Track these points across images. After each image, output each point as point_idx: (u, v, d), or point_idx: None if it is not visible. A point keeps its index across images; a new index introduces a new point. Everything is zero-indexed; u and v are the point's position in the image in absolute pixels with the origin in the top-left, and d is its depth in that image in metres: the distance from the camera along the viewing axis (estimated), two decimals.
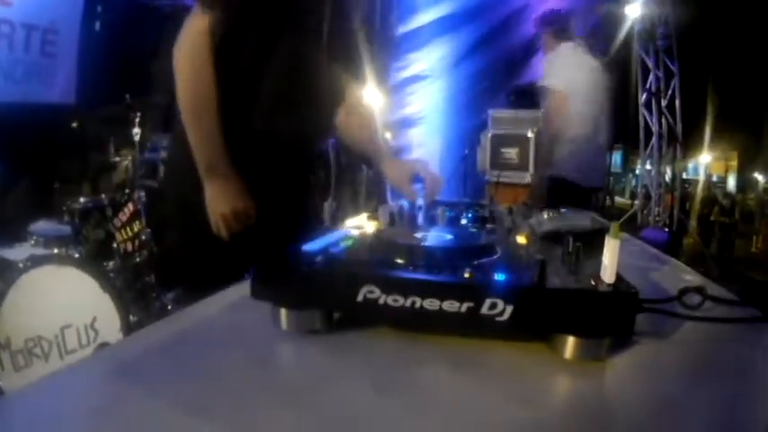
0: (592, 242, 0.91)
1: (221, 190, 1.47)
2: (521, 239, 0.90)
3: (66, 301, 2.41)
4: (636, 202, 9.60)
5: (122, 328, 2.59)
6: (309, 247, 0.73)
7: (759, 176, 19.49)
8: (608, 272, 0.62)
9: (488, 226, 1.06)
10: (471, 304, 0.58)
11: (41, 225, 3.03)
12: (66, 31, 5.79)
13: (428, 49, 8.35)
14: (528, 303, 0.59)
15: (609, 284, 0.61)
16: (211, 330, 0.72)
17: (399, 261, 0.66)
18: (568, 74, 3.46)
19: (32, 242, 2.78)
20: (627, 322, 0.62)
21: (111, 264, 3.15)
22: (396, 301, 0.59)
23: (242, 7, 1.46)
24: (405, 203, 1.39)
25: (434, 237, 0.76)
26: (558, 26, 3.71)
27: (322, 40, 1.53)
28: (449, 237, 0.75)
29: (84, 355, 2.42)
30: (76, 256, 2.75)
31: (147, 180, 3.93)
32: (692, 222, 9.32)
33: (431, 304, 0.59)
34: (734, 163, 22.02)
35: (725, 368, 0.68)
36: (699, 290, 0.85)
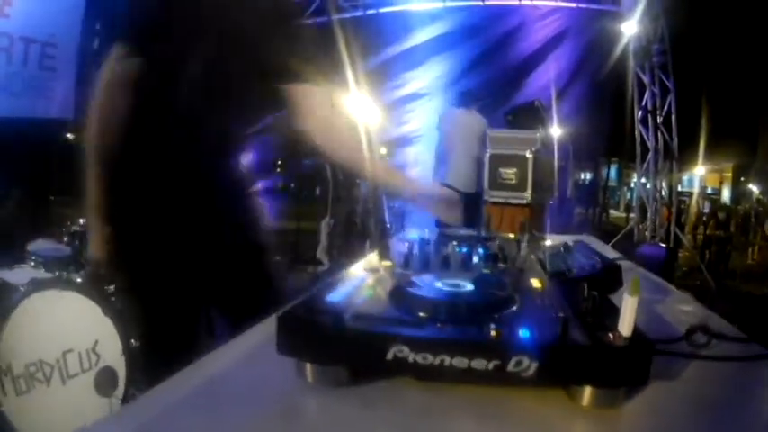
0: (602, 281, 0.95)
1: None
2: (535, 283, 0.93)
3: (68, 325, 2.41)
4: (632, 215, 9.66)
5: (124, 351, 2.58)
6: (332, 297, 0.75)
7: (753, 188, 19.58)
8: (625, 325, 0.64)
9: (500, 265, 1.09)
10: (498, 362, 0.61)
11: (40, 244, 2.98)
12: (65, 45, 5.75)
13: (425, 68, 8.43)
14: (552, 360, 0.62)
15: (626, 338, 0.64)
16: (236, 383, 0.73)
17: (423, 315, 0.69)
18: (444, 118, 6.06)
19: (32, 264, 2.75)
20: (642, 372, 0.65)
21: (111, 287, 3.14)
22: (425, 359, 0.61)
23: (153, 50, 1.53)
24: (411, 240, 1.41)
25: (455, 286, 0.78)
26: (455, 99, 6.36)
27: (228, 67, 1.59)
28: (469, 286, 0.78)
29: (86, 379, 2.42)
30: (78, 280, 2.76)
31: None
32: (688, 236, 9.38)
33: (459, 362, 0.61)
34: (728, 175, 22.17)
35: (734, 406, 0.71)
36: (705, 329, 0.88)
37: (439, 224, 1.85)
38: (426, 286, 0.77)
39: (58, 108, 5.81)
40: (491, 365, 0.61)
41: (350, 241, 8.08)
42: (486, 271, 1.04)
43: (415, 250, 1.20)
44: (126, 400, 2.53)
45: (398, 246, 1.26)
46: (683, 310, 1.18)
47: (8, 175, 4.46)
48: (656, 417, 0.67)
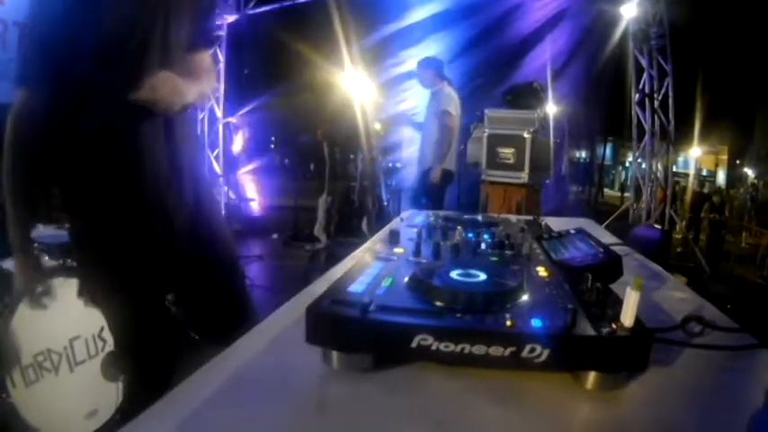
0: (604, 271, 1.01)
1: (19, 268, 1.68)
2: (542, 272, 0.99)
3: (74, 312, 2.40)
4: (627, 194, 9.72)
5: None
6: (354, 288, 0.81)
7: (749, 171, 19.67)
8: (628, 317, 0.70)
9: (507, 252, 1.15)
10: (514, 349, 0.67)
11: (40, 231, 2.99)
12: None
13: (423, 46, 8.42)
14: (561, 348, 0.68)
15: (628, 328, 0.70)
16: (263, 373, 0.77)
17: (441, 304, 0.75)
18: (454, 103, 5.41)
19: (35, 252, 2.75)
20: (642, 359, 0.71)
21: None
22: (447, 347, 0.67)
23: (52, 79, 1.51)
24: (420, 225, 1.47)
25: (470, 276, 0.84)
26: (439, 68, 5.62)
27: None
28: (482, 276, 0.84)
29: (93, 364, 2.43)
30: None
31: None
32: (684, 219, 9.47)
33: (478, 349, 0.67)
34: (724, 157, 22.19)
35: (724, 392, 0.78)
36: (699, 319, 0.94)
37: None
38: (443, 277, 0.82)
39: None
40: (507, 352, 0.67)
41: (347, 219, 8.14)
42: (494, 259, 1.10)
43: (425, 237, 1.26)
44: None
45: (404, 230, 1.32)
46: (678, 297, 1.24)
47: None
48: (653, 399, 0.73)
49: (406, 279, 0.86)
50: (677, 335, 0.91)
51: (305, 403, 0.68)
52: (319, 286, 1.17)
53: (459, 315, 0.71)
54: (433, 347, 0.68)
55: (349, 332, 0.71)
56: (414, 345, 0.68)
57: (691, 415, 0.70)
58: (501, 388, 0.71)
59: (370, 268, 0.94)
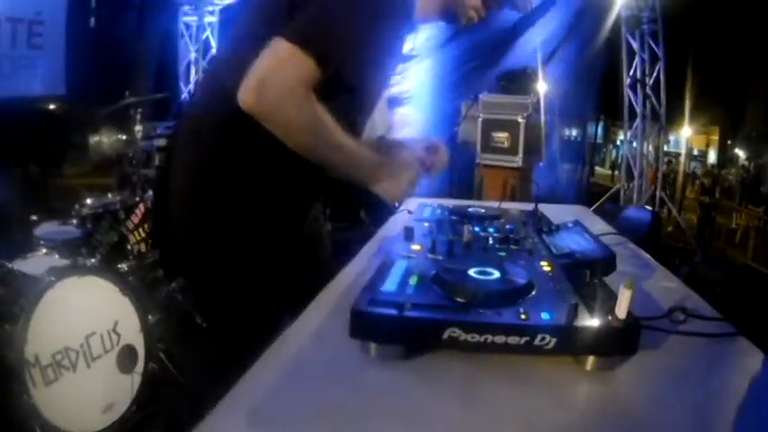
0: (601, 267, 1.15)
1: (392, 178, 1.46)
2: (545, 266, 1.12)
3: (89, 309, 2.45)
4: (617, 173, 9.80)
5: (142, 328, 2.66)
6: (387, 287, 0.94)
7: (739, 152, 19.83)
8: (621, 310, 0.84)
9: (513, 248, 1.28)
10: (528, 338, 0.82)
11: (47, 228, 3.03)
12: (51, 21, 5.76)
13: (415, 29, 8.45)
14: (566, 337, 0.82)
15: (621, 320, 0.84)
16: (312, 365, 0.89)
17: (464, 301, 0.88)
18: None
19: (44, 250, 2.77)
20: (633, 345, 0.86)
21: (125, 266, 3.22)
22: (473, 338, 0.81)
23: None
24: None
25: (485, 274, 0.98)
26: None
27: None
28: (496, 274, 0.98)
29: (108, 359, 2.46)
30: (96, 263, 2.81)
31: (143, 169, 3.92)
32: (675, 200, 9.62)
33: (499, 339, 0.81)
34: (715, 137, 22.30)
35: (704, 374, 0.92)
36: (683, 309, 1.08)
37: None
38: (465, 276, 0.96)
39: (50, 84, 5.85)
40: (522, 341, 0.82)
41: (343, 203, 8.21)
42: (502, 254, 1.23)
43: (437, 233, 1.39)
44: (146, 374, 2.61)
45: (416, 225, 1.44)
46: (666, 287, 1.38)
47: (6, 156, 4.49)
48: (643, 379, 0.88)
49: (431, 278, 0.99)
50: (664, 323, 1.05)
51: (352, 386, 0.82)
52: (342, 279, 1.32)
53: (481, 310, 0.85)
54: (461, 339, 0.82)
55: (388, 328, 0.85)
56: (445, 337, 0.82)
57: (674, 392, 0.85)
58: (514, 370, 0.86)
59: (395, 267, 1.07)
